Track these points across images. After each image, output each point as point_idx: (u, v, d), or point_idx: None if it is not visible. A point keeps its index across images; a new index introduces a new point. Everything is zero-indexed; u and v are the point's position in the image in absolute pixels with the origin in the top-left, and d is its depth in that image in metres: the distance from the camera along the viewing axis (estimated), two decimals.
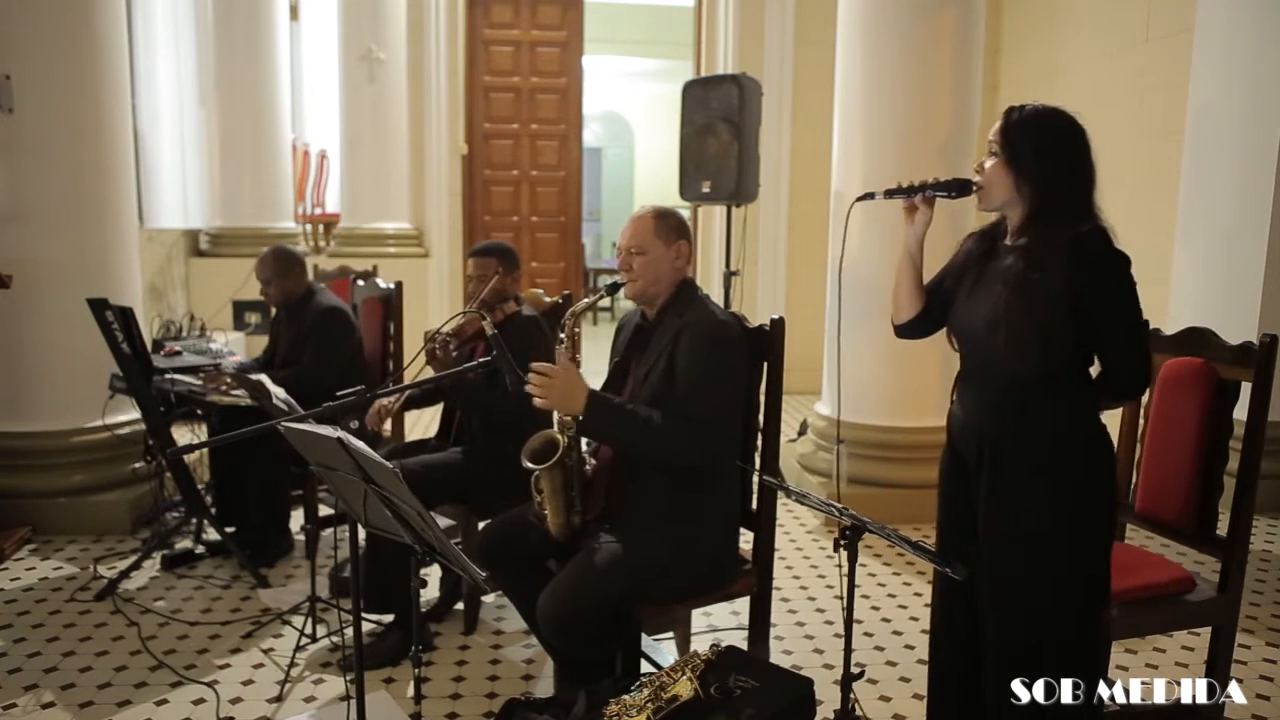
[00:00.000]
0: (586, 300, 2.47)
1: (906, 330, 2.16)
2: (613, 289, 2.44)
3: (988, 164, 1.93)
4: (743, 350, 2.35)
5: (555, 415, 2.35)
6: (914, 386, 4.05)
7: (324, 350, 3.60)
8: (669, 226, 2.37)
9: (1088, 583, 1.97)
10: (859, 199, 2.13)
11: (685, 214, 2.53)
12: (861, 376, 4.12)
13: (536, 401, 2.19)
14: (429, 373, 2.92)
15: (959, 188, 1.97)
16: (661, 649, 2.82)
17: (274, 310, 3.93)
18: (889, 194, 2.05)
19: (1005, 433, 1.93)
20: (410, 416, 5.02)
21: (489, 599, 3.22)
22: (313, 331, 3.62)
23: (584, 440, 2.42)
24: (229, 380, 3.46)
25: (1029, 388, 1.88)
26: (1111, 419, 2.60)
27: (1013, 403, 1.91)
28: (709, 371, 2.23)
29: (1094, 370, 1.94)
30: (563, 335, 2.37)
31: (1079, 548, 1.94)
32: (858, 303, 3.88)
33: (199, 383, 3.53)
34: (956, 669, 2.14)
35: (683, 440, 2.19)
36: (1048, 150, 1.86)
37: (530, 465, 2.29)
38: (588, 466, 2.39)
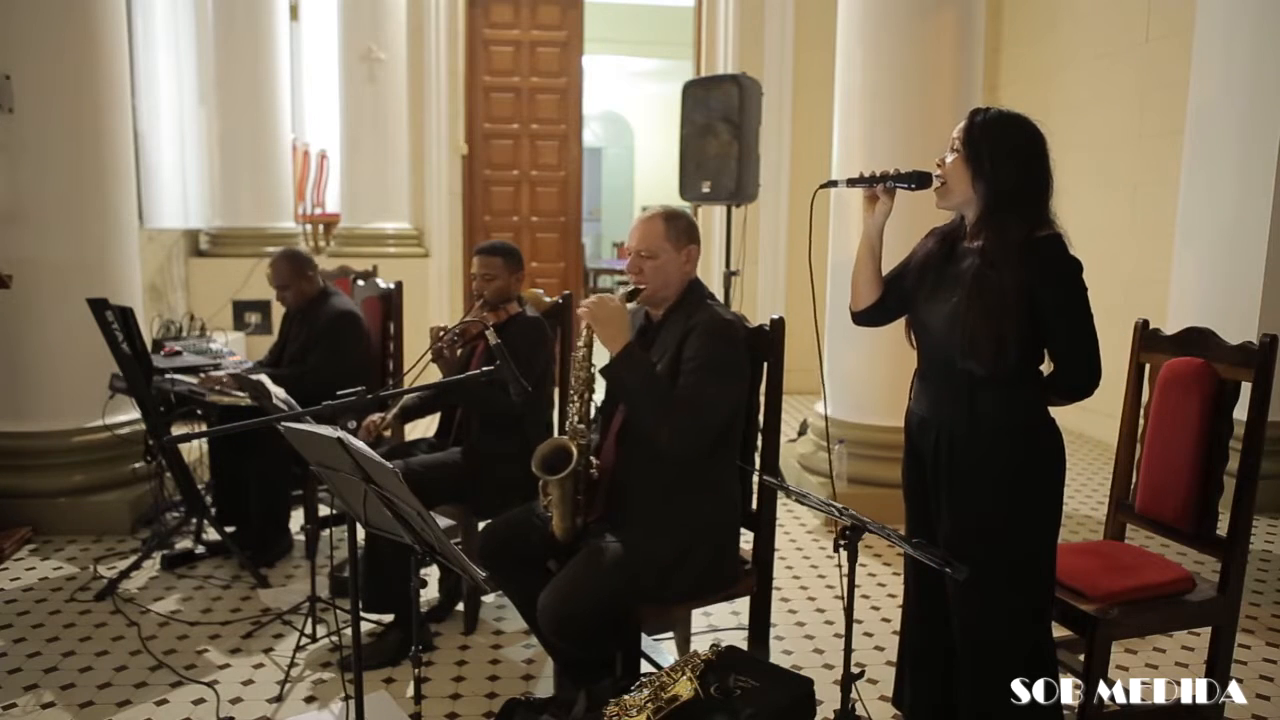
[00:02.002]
0: None
1: (863, 317, 2.21)
2: (631, 296, 2.37)
3: (948, 159, 1.98)
4: (747, 351, 2.35)
5: (568, 422, 2.34)
6: None
7: (331, 355, 3.59)
8: (679, 230, 2.36)
9: (1038, 576, 2.02)
10: (822, 186, 2.19)
11: None
12: (861, 376, 4.12)
13: (580, 311, 2.20)
14: (431, 372, 2.92)
15: (919, 180, 2.01)
16: (661, 649, 2.82)
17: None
18: (851, 183, 2.09)
19: (959, 427, 1.99)
20: None
21: (489, 599, 3.22)
22: (324, 335, 3.62)
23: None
24: (226, 380, 3.46)
25: (983, 384, 1.94)
26: (1111, 419, 2.61)
27: (966, 398, 1.96)
28: (710, 368, 2.23)
29: (1045, 369, 2.00)
30: (580, 344, 2.35)
31: (1028, 541, 1.99)
32: None
33: (196, 382, 3.53)
34: (930, 654, 2.19)
35: (675, 424, 2.19)
36: (1006, 153, 1.91)
37: (544, 476, 2.28)
38: (593, 471, 2.38)
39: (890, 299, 2.15)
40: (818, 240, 2.21)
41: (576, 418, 2.33)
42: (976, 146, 1.92)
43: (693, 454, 2.24)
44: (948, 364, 1.98)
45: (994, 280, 1.87)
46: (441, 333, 2.92)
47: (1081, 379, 1.93)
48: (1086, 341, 1.91)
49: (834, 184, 2.16)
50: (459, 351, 2.98)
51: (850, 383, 4.19)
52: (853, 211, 4.03)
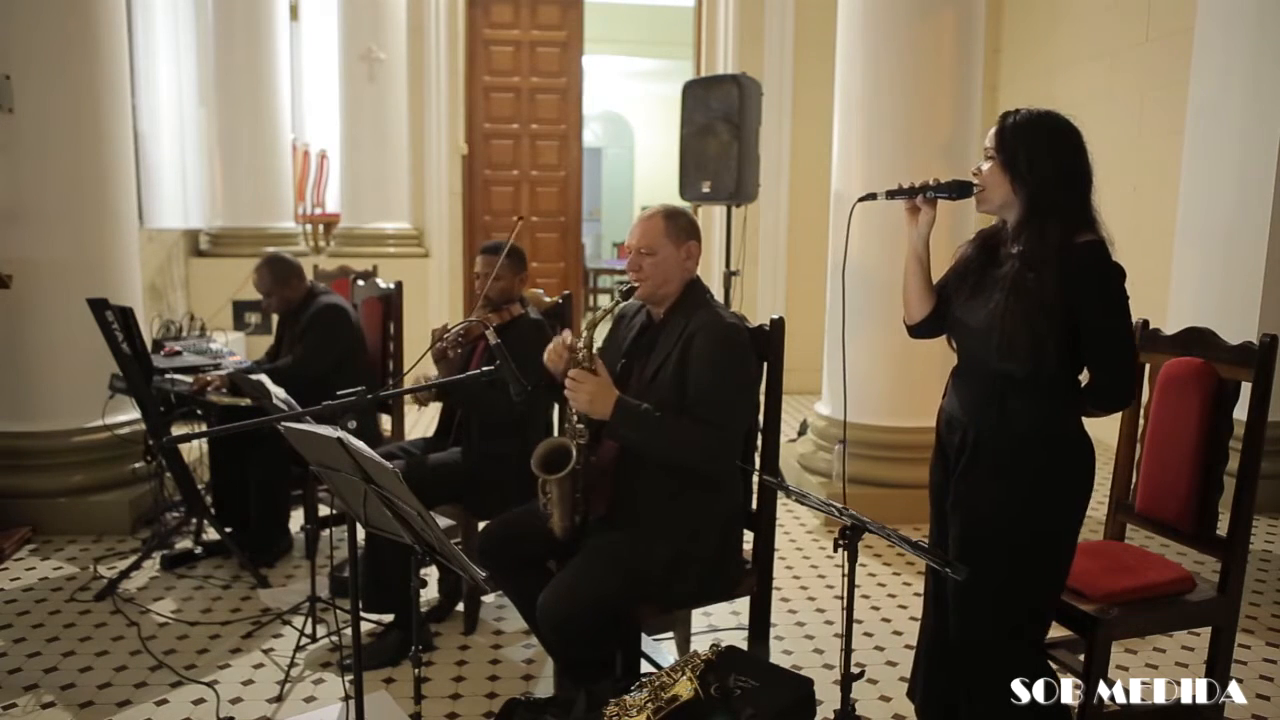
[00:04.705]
0: (602, 309, 2.45)
1: (920, 330, 2.18)
2: (627, 294, 2.40)
3: (984, 166, 1.97)
4: (754, 352, 2.36)
5: (567, 422, 2.35)
6: (914, 386, 4.05)
7: (316, 347, 3.59)
8: (679, 227, 2.36)
9: (1042, 586, 2.00)
10: (861, 199, 2.15)
11: None
12: (861, 376, 4.12)
13: (570, 398, 2.22)
14: (432, 369, 2.92)
15: (959, 189, 2.00)
16: (661, 649, 2.82)
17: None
18: (890, 195, 2.07)
19: (984, 428, 1.97)
20: (410, 417, 5.02)
21: (489, 599, 3.22)
22: (308, 329, 3.63)
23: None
24: (219, 380, 3.46)
25: (1016, 388, 1.92)
26: (1112, 419, 2.61)
27: (998, 400, 1.95)
28: (724, 377, 2.24)
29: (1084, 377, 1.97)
30: (580, 345, 2.35)
31: (1036, 551, 1.96)
32: (858, 302, 3.88)
33: (189, 380, 3.53)
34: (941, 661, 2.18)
35: (699, 445, 2.21)
36: (1042, 153, 1.88)
37: (543, 475, 2.29)
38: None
39: (944, 308, 2.12)
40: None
41: (576, 418, 2.33)
42: (1011, 150, 1.90)
43: (728, 466, 2.27)
44: (983, 365, 1.97)
45: (1033, 283, 1.85)
46: (444, 334, 2.92)
47: (1114, 392, 1.91)
48: (1120, 349, 1.88)
49: (873, 196, 2.11)
50: (460, 352, 2.97)
51: (851, 383, 4.18)
52: (853, 214, 4.03)
